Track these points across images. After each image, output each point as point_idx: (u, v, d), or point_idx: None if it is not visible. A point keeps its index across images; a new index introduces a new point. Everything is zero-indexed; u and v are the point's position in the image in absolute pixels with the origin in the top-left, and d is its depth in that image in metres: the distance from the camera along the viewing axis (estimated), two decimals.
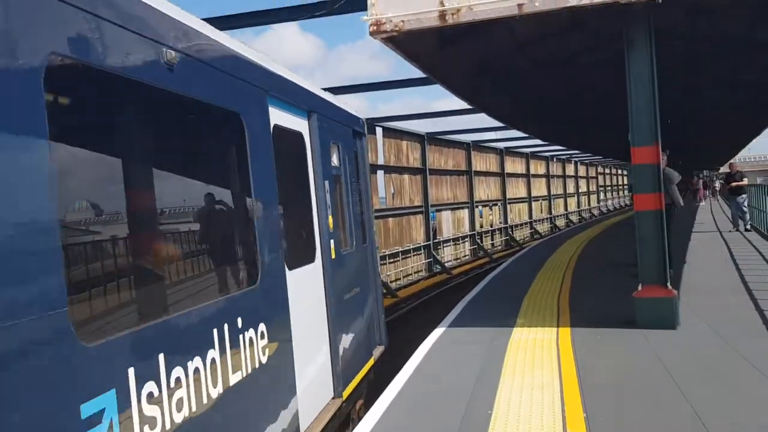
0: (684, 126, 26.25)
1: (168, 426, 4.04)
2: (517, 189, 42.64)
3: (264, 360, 5.59)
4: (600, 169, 67.85)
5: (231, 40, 5.90)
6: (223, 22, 11.47)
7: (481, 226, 35.81)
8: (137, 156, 4.53)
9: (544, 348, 8.51)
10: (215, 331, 4.80)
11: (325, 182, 7.74)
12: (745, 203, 23.52)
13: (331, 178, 8.06)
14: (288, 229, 6.77)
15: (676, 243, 14.69)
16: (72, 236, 3.69)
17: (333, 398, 7.61)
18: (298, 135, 7.33)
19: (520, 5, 8.58)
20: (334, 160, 8.41)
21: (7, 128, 3.07)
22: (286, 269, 6.34)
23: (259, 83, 6.24)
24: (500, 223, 39.05)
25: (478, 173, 35.46)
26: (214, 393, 4.66)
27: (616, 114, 19.05)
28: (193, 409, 4.36)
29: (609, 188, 74.22)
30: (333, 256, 7.83)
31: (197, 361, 4.49)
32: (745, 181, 23.82)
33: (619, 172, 78.06)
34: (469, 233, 33.79)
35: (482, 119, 24.64)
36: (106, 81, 3.91)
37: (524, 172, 44.06)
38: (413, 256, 27.19)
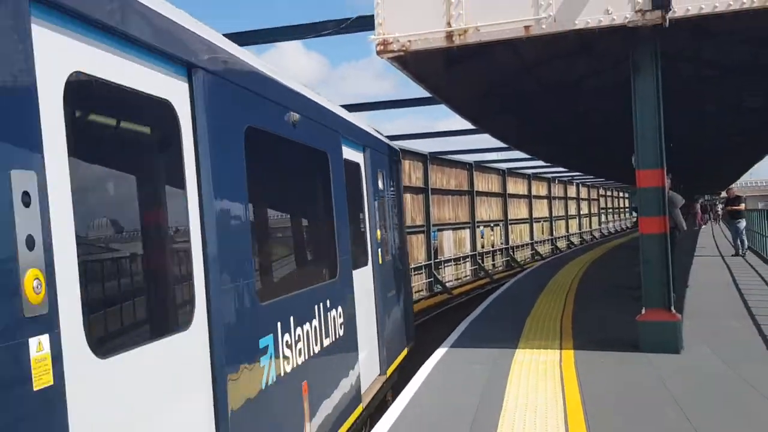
0: (686, 150, 26.28)
1: (293, 358, 6.04)
2: (518, 210, 42.67)
3: (341, 333, 7.52)
4: (601, 192, 67.94)
5: (316, 95, 7.68)
6: (232, 39, 11.50)
7: (483, 247, 35.78)
8: (285, 184, 6.94)
9: (547, 370, 8.47)
10: (317, 306, 6.82)
11: (375, 202, 9.66)
12: (742, 228, 23.59)
13: (378, 199, 9.91)
14: (353, 239, 8.36)
15: (679, 267, 14.69)
16: (275, 236, 6.79)
17: (379, 375, 9.49)
18: (357, 166, 9.22)
19: (527, 27, 8.65)
20: (380, 185, 10.16)
21: (232, 169, 5.03)
22: (352, 269, 8.16)
23: (336, 127, 8.12)
24: (501, 243, 39.04)
25: (480, 193, 35.50)
26: (317, 347, 6.70)
27: (620, 137, 19.15)
28: (307, 353, 6.40)
29: (610, 210, 74.24)
30: (380, 262, 9.76)
31: (308, 325, 6.47)
32: (743, 206, 23.88)
33: (620, 194, 78.12)
34: (470, 253, 33.77)
35: (485, 139, 24.74)
36: (272, 139, 6.13)
37: (526, 193, 44.11)
38: (414, 275, 27.15)
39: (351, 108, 18.52)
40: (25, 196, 2.97)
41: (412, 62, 10.40)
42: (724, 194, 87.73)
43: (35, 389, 2.92)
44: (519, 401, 7.22)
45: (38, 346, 2.97)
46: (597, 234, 60.28)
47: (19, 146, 2.99)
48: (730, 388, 7.40)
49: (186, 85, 4.47)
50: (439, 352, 9.88)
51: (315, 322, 6.69)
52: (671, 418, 6.50)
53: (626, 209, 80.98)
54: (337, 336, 7.38)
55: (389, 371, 9.81)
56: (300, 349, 6.24)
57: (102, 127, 4.09)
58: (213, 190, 4.62)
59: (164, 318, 4.38)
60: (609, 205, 73.80)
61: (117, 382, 3.56)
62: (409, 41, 9.08)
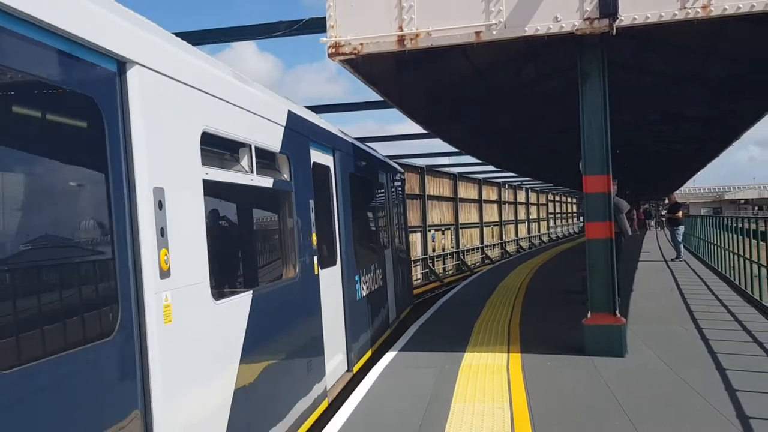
0: (631, 156, 26.81)
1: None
2: (469, 214, 42.92)
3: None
4: (550, 197, 68.86)
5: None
6: (183, 39, 11.31)
7: (434, 250, 35.91)
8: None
9: (495, 374, 8.52)
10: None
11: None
12: (680, 234, 24.27)
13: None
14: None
15: (624, 271, 14.96)
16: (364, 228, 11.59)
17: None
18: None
19: (477, 33, 8.70)
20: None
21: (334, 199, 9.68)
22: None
23: (383, 166, 14.07)
24: (452, 247, 39.23)
25: (431, 197, 35.63)
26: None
27: (567, 143, 19.42)
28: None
29: (558, 215, 75.32)
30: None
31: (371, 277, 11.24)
32: (680, 214, 24.54)
33: (569, 199, 79.31)
34: (421, 257, 33.86)
35: (436, 144, 24.87)
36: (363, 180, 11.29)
37: (477, 197, 44.43)
38: None
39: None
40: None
41: (363, 65, 10.39)
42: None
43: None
44: (467, 406, 7.24)
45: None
46: (545, 238, 61.00)
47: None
48: (672, 390, 7.54)
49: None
50: (388, 356, 9.86)
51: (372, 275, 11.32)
52: (616, 421, 6.60)
53: (574, 214, 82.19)
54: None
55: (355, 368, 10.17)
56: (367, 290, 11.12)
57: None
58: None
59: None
60: (557, 210, 74.83)
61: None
62: (361, 44, 9.05)
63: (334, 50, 9.16)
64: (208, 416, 5.15)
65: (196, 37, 12.17)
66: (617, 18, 8.29)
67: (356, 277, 10.40)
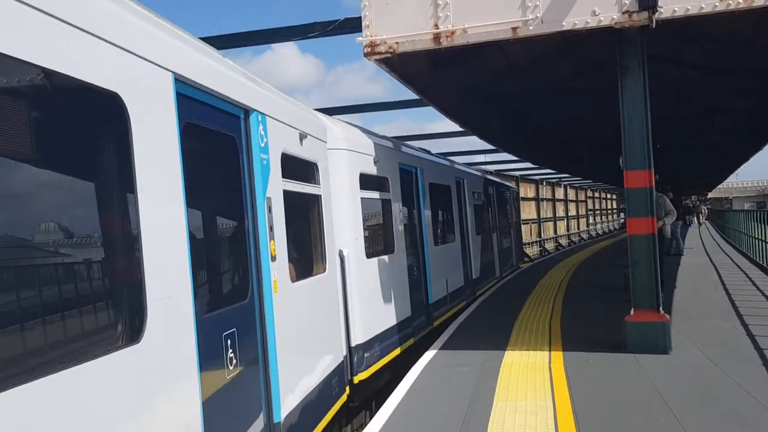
0: (670, 151, 26.38)
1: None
2: None
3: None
4: (589, 193, 68.11)
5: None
6: (221, 41, 11.46)
7: None
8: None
9: (537, 371, 8.46)
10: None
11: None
12: (678, 229, 24.42)
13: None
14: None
15: (666, 268, 14.73)
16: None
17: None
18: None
19: (514, 28, 8.64)
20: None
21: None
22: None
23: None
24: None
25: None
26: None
27: (606, 138, 19.21)
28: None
29: (598, 212, 74.46)
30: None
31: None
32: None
33: (608, 195, 78.37)
34: None
35: (472, 141, 24.81)
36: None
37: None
38: None
39: (344, 110, 18.81)
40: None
41: (399, 64, 10.38)
42: (711, 195, 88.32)
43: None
44: (509, 404, 7.20)
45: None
46: (585, 236, 60.38)
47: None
48: (719, 388, 7.41)
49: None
50: (428, 355, 9.85)
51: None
52: (662, 419, 6.50)
53: (614, 210, 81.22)
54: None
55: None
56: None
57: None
58: None
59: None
60: (597, 206, 74.00)
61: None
62: (397, 43, 9.05)
63: (369, 50, 9.18)
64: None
65: (234, 40, 12.30)
66: (657, 10, 8.17)
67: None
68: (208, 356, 4.83)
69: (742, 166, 54.59)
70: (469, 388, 7.91)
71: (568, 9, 8.44)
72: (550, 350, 9.60)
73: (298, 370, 6.84)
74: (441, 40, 8.92)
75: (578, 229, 61.57)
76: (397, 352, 10.76)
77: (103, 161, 3.99)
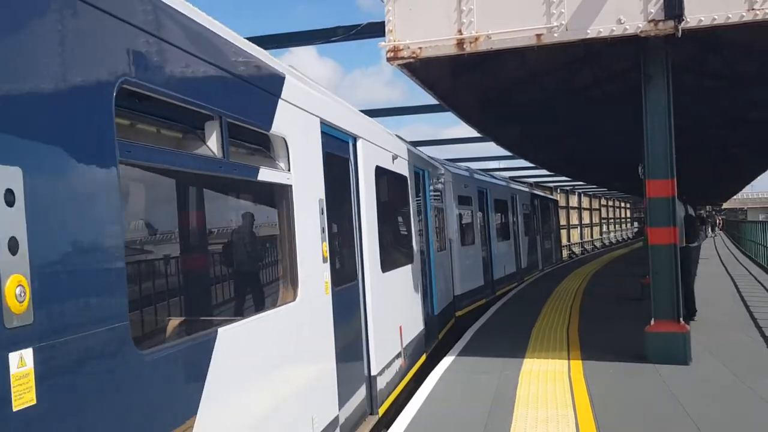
0: (688, 161, 26.23)
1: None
2: None
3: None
4: (603, 201, 67.79)
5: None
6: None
7: None
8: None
9: (556, 380, 8.41)
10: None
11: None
12: None
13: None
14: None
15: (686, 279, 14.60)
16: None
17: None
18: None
19: (538, 35, 8.62)
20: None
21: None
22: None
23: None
24: None
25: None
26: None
27: (623, 147, 19.11)
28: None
29: (611, 220, 74.10)
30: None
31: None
32: None
33: (622, 204, 78.02)
34: None
35: (487, 148, 24.82)
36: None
37: None
38: None
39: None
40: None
41: (421, 69, 10.37)
42: (725, 205, 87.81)
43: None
44: (529, 413, 7.16)
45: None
46: (598, 244, 60.06)
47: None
48: (741, 401, 7.34)
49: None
50: (446, 361, 9.82)
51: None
52: (682, 429, 6.44)
53: (627, 219, 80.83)
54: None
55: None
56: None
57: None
58: None
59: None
60: (610, 215, 73.65)
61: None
62: (420, 48, 9.05)
63: (392, 54, 9.18)
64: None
65: (258, 42, 12.30)
66: (683, 20, 8.12)
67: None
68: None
69: (757, 178, 54.19)
70: (489, 395, 7.88)
71: (593, 17, 8.41)
72: (569, 358, 9.55)
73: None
74: (465, 46, 8.90)
75: (591, 237, 61.28)
76: (473, 306, 16.24)
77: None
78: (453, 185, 15.53)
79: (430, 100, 13.51)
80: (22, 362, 2.69)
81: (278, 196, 5.64)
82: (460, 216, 16.31)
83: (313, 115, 6.31)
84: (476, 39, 8.85)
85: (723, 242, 46.10)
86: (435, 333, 12.06)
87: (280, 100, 5.48)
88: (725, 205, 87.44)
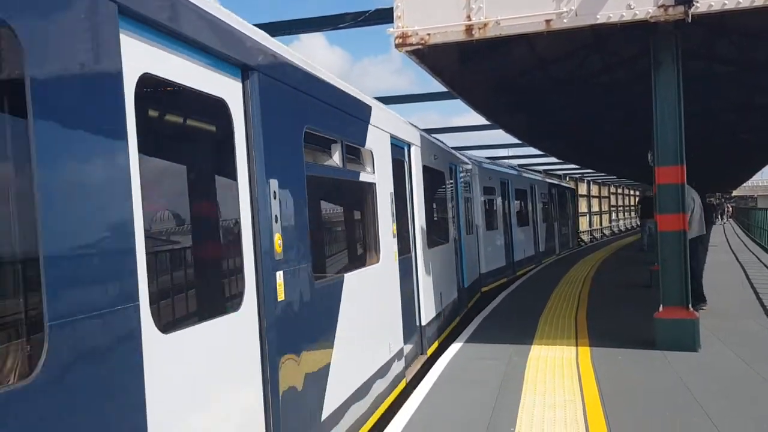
0: (698, 148, 26.08)
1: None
2: None
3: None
4: (612, 189, 67.54)
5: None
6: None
7: None
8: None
9: (564, 366, 8.42)
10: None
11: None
12: (647, 228, 24.15)
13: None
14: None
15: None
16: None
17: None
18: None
19: (548, 21, 8.56)
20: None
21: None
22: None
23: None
24: None
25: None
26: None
27: (632, 134, 19.03)
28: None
29: (621, 208, 73.84)
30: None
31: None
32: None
33: (631, 192, 77.73)
34: None
35: (495, 135, 24.86)
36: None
37: None
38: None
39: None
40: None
41: (429, 56, 10.32)
42: (735, 193, 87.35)
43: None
44: (537, 398, 7.18)
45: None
46: (607, 231, 59.89)
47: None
48: (750, 387, 7.33)
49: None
50: (454, 347, 9.84)
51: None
52: (694, 418, 6.45)
53: (636, 207, 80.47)
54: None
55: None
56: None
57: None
58: None
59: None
60: (619, 202, 73.39)
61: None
62: (428, 35, 9.01)
63: (401, 41, 9.14)
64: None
65: (266, 29, 12.28)
66: (693, 5, 8.06)
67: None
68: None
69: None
70: (497, 381, 7.90)
71: (603, 2, 8.34)
72: (577, 345, 9.56)
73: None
74: (473, 32, 8.86)
75: (600, 225, 61.10)
76: (496, 283, 18.26)
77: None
78: (479, 177, 17.95)
79: (439, 87, 13.46)
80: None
81: (369, 191, 7.82)
82: (485, 204, 18.78)
83: (386, 131, 8.50)
84: (485, 25, 8.80)
85: (733, 230, 45.91)
86: (465, 302, 14.11)
87: (369, 125, 7.76)
88: (735, 193, 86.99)
